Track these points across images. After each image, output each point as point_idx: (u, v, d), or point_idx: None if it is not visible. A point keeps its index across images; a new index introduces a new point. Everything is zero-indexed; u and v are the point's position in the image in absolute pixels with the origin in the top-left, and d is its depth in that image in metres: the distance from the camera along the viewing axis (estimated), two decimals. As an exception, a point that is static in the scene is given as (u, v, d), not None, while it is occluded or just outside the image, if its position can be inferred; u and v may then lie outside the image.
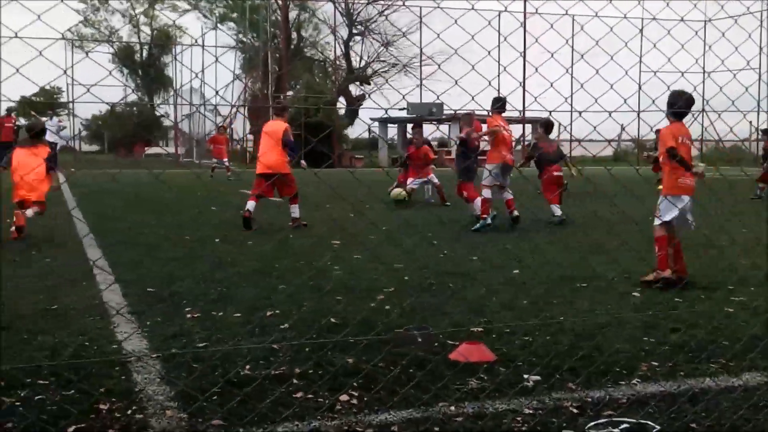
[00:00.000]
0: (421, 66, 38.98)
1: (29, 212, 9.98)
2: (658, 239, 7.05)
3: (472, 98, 2.91)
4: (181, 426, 3.54)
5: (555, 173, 12.58)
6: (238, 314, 5.70)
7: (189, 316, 5.66)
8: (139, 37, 54.80)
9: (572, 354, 4.60)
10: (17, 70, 2.30)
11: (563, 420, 3.65)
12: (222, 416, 3.62)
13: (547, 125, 13.06)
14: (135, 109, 55.44)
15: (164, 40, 53.74)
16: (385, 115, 32.79)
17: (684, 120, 7.12)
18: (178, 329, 5.27)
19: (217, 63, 35.37)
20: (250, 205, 11.23)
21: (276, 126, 11.55)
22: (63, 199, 14.93)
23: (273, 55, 43.18)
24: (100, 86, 3.23)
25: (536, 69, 3.08)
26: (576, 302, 6.23)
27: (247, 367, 4.45)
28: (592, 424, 3.60)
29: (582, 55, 3.22)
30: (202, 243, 9.43)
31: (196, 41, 42.79)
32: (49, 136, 25.37)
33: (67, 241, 9.69)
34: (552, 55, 3.16)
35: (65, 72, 2.73)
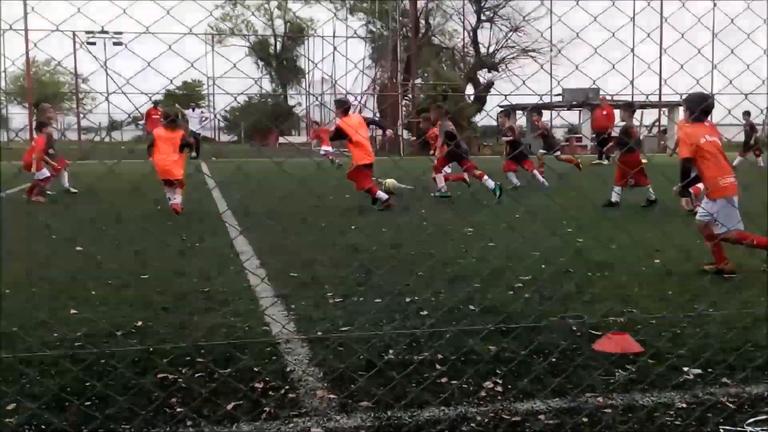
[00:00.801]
0: (551, 50, 38.07)
1: (177, 199, 11.36)
2: (739, 237, 6.71)
3: (630, 83, 2.84)
4: (332, 407, 3.66)
5: (637, 158, 12.51)
6: (378, 300, 5.81)
7: (331, 301, 5.82)
8: (273, 30, 56.47)
9: (726, 348, 4.42)
10: (192, 65, 2.44)
11: (720, 416, 3.51)
12: (371, 399, 3.72)
13: (633, 108, 12.92)
14: (269, 100, 57.27)
15: (297, 32, 55.14)
16: (522, 102, 32.01)
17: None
18: (322, 313, 5.44)
19: (347, 52, 36.01)
20: (382, 195, 12.01)
21: (361, 118, 13.23)
22: (206, 186, 15.68)
23: (401, 44, 43.42)
24: (237, 78, 3.40)
25: (698, 51, 2.96)
26: (724, 293, 5.95)
27: (391, 351, 4.54)
28: (752, 420, 3.45)
29: (748, 35, 3.06)
30: (336, 230, 9.65)
31: (352, 30, 43.60)
32: (192, 125, 26.67)
33: (206, 221, 10.14)
34: (715, 36, 3.03)
35: (235, 66, 2.87)
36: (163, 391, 3.78)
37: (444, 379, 4.02)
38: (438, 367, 4.23)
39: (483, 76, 51.11)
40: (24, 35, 34.20)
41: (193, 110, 27.54)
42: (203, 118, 27.25)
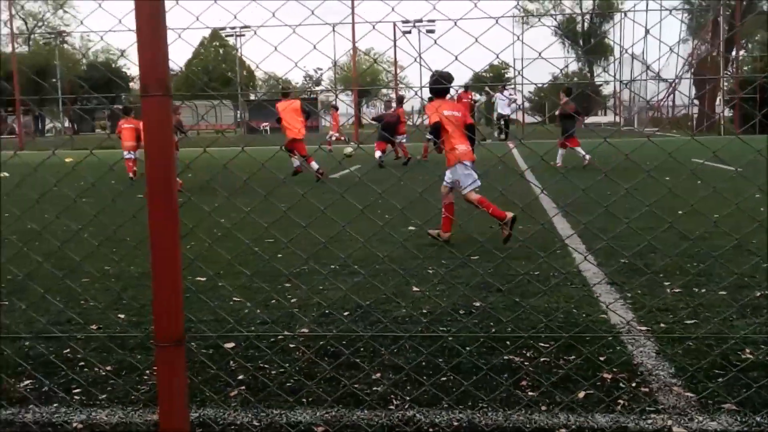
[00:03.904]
0: None
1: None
2: (479, 202, 7.62)
3: None
4: (692, 405, 3.43)
5: None
6: (723, 292, 5.37)
7: (669, 290, 5.49)
8: (581, 8, 55.12)
9: None
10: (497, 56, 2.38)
11: None
12: (732, 401, 3.42)
13: None
14: (576, 79, 56.12)
15: (605, 9, 53.25)
16: None
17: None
18: (662, 303, 5.15)
19: (661, 25, 33.99)
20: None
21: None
22: (517, 168, 15.76)
23: (724, 13, 40.00)
24: (543, 59, 3.37)
25: None
26: None
27: (748, 350, 4.15)
28: None
29: None
30: (664, 211, 9.10)
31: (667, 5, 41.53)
32: (501, 108, 27.02)
33: (521, 203, 10.15)
34: None
35: (540, 55, 2.80)
36: (512, 375, 3.82)
37: (819, 387, 3.58)
38: (809, 372, 3.78)
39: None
40: (351, 29, 37.14)
41: (502, 93, 27.79)
42: (512, 100, 27.39)
